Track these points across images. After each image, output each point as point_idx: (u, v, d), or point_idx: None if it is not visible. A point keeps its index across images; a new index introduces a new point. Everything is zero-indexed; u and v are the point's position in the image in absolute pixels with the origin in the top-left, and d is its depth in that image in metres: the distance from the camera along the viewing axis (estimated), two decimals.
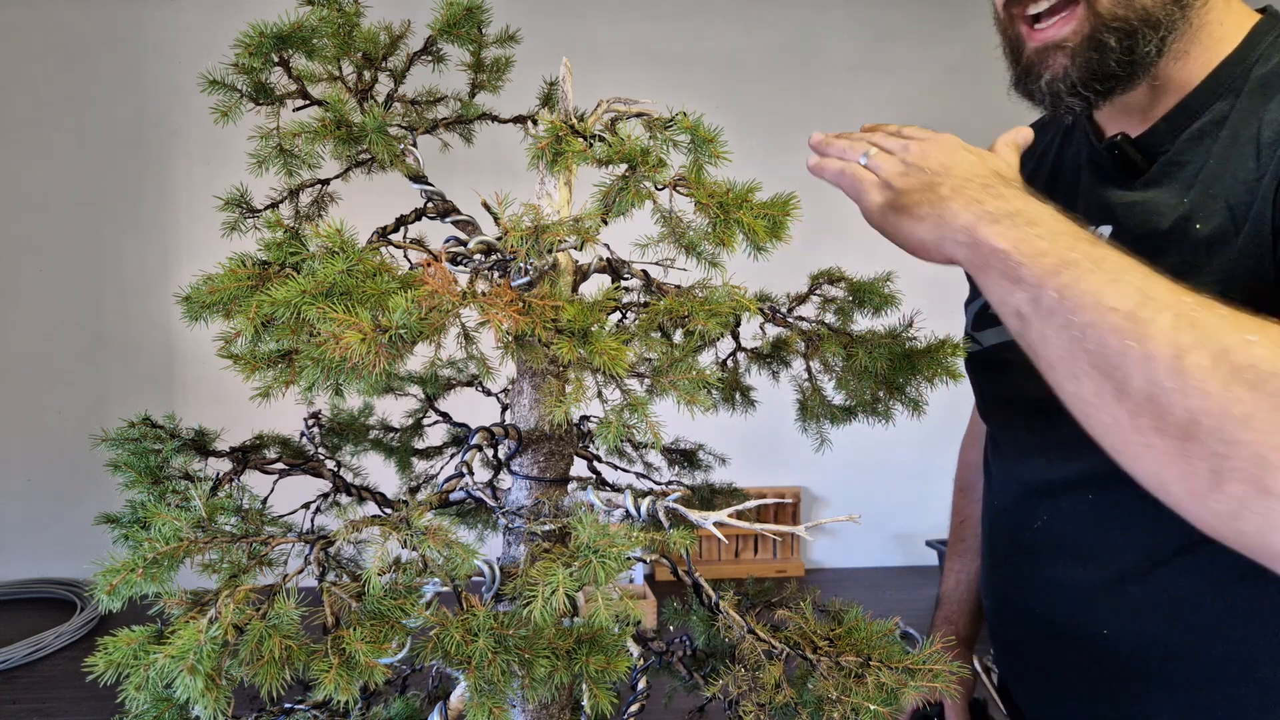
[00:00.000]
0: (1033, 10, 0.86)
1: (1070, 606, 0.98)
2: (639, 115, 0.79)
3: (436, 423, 1.21)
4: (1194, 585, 0.87)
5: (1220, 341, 0.62)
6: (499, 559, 0.80)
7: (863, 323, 0.97)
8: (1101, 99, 0.87)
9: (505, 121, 0.95)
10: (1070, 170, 1.01)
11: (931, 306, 1.02)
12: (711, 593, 0.92)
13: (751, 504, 0.79)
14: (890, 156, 0.84)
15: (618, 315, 0.84)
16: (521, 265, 0.70)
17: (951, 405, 1.06)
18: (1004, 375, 1.01)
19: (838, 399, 0.98)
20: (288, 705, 0.85)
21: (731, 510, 0.74)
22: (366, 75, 0.86)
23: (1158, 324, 0.64)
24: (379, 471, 1.16)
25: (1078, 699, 0.99)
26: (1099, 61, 0.84)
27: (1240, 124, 0.83)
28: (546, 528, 0.75)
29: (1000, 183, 0.78)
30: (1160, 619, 0.89)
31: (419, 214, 0.87)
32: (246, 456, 0.93)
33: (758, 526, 0.75)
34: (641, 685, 0.90)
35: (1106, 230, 0.92)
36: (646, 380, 0.73)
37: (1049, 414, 0.92)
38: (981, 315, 1.04)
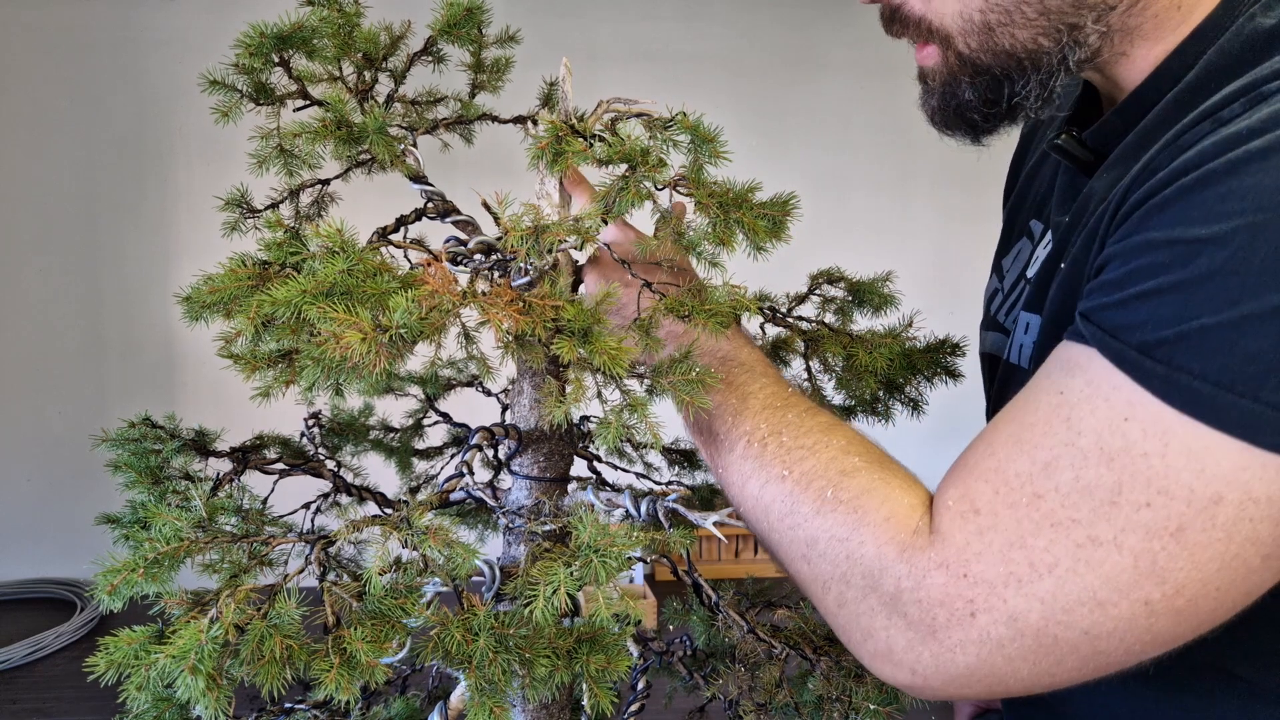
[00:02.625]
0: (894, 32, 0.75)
1: None
2: (639, 115, 0.79)
3: (437, 423, 1.21)
4: None
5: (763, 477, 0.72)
6: (499, 559, 0.80)
7: (862, 322, 0.97)
8: (983, 137, 0.77)
9: (505, 122, 0.96)
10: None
11: (931, 306, 1.02)
12: (711, 592, 0.92)
13: None
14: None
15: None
16: (521, 265, 0.70)
17: (951, 405, 1.06)
18: (989, 383, 0.98)
19: (838, 399, 0.98)
20: (288, 705, 0.85)
21: (731, 510, 0.74)
22: (367, 76, 0.86)
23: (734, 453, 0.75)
24: (379, 471, 1.16)
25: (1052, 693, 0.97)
26: (958, 106, 0.74)
27: (1141, 141, 0.69)
28: (547, 527, 0.75)
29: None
30: None
31: (419, 214, 0.87)
32: (246, 457, 0.93)
33: None
34: (641, 685, 0.90)
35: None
36: (646, 380, 0.73)
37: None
38: (984, 314, 1.00)
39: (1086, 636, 0.58)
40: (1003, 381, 0.86)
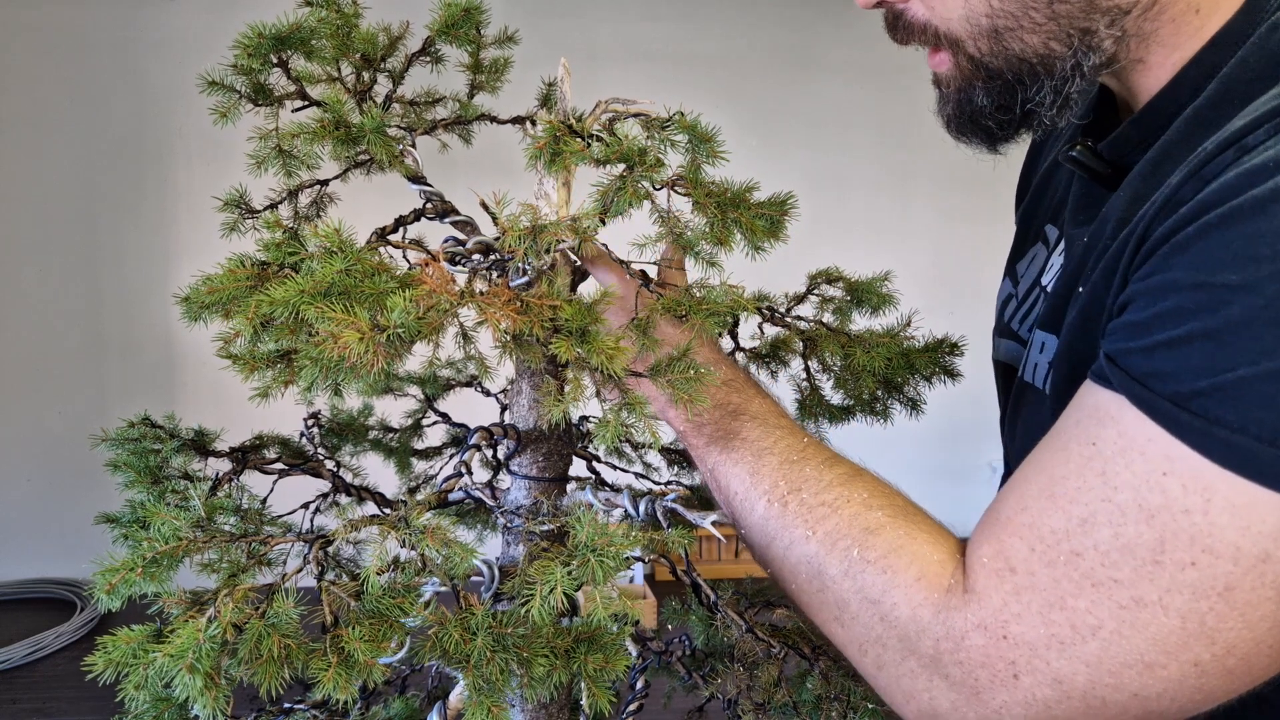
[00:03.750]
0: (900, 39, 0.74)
1: None
2: (637, 115, 0.79)
3: (436, 423, 1.21)
4: None
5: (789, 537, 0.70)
6: (498, 558, 0.80)
7: (861, 322, 0.97)
8: (998, 145, 0.75)
9: (504, 122, 0.96)
10: None
11: (930, 306, 1.02)
12: (710, 592, 0.92)
13: None
14: None
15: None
16: (519, 265, 0.70)
17: (951, 405, 1.07)
18: (1004, 393, 0.97)
19: (836, 399, 0.98)
20: (287, 705, 0.85)
21: None
22: (365, 76, 0.86)
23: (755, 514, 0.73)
24: (378, 471, 1.16)
25: None
26: (972, 113, 0.72)
27: (1161, 159, 0.66)
28: (545, 527, 0.76)
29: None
30: None
31: (417, 214, 0.87)
32: (246, 456, 0.93)
33: None
34: (640, 684, 0.91)
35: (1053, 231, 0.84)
36: (645, 380, 0.73)
37: (1007, 457, 0.92)
38: (997, 321, 0.98)
39: (1136, 699, 0.56)
40: (1018, 398, 0.84)
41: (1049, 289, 0.81)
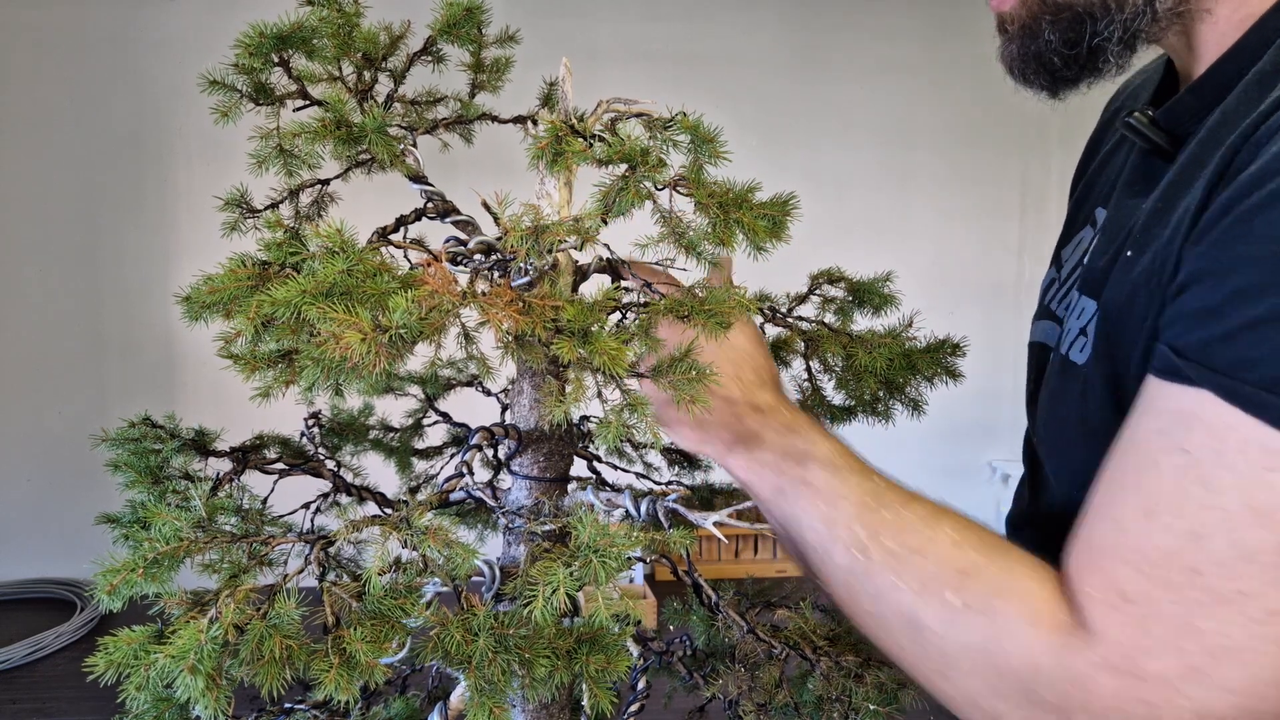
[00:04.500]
0: None
1: None
2: (639, 115, 0.79)
3: (436, 423, 1.21)
4: None
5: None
6: (499, 559, 0.80)
7: (862, 323, 0.97)
8: (1061, 89, 0.73)
9: (505, 122, 0.95)
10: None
11: (931, 306, 1.02)
12: (711, 593, 0.92)
13: (751, 504, 0.79)
14: None
15: (618, 315, 0.84)
16: (521, 265, 0.70)
17: (951, 405, 1.06)
18: (1034, 372, 0.94)
19: (837, 399, 0.98)
20: (288, 705, 0.85)
21: (731, 510, 0.74)
22: (366, 76, 0.86)
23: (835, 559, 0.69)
24: (379, 471, 1.16)
25: None
26: (1038, 52, 0.70)
27: (1222, 124, 0.63)
28: (546, 528, 0.75)
29: (763, 395, 0.77)
30: None
31: (419, 214, 0.87)
32: (246, 456, 0.93)
33: (758, 526, 0.75)
34: (641, 685, 0.90)
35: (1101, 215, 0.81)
36: (646, 380, 0.73)
37: (1030, 439, 0.90)
38: (1040, 302, 0.94)
39: None
40: (1054, 373, 0.80)
41: (1087, 259, 0.79)
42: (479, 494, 0.77)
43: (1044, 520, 0.80)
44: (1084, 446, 0.68)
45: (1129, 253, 0.67)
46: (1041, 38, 0.69)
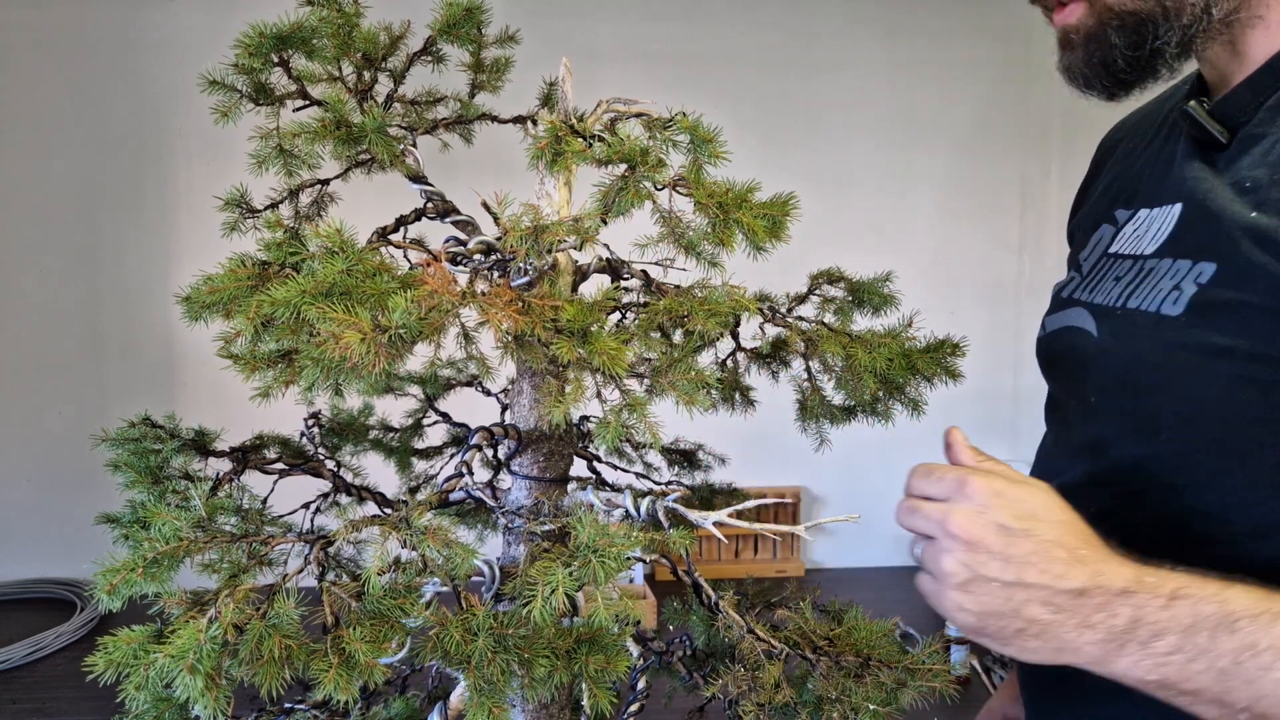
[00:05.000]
0: None
1: None
2: (638, 115, 0.79)
3: (436, 423, 1.21)
4: None
5: None
6: (499, 559, 0.80)
7: (862, 322, 0.97)
8: (1120, 91, 0.80)
9: (505, 122, 0.96)
10: (1176, 126, 0.91)
11: (931, 306, 1.02)
12: (711, 593, 0.92)
13: (751, 504, 0.79)
14: (937, 549, 0.66)
15: (617, 315, 0.84)
16: (521, 265, 0.70)
17: (951, 405, 1.06)
18: (1047, 367, 0.95)
19: (837, 399, 0.98)
20: (288, 705, 0.85)
21: (731, 510, 0.74)
22: (366, 76, 0.86)
23: None
24: (379, 471, 1.16)
25: None
26: (1103, 57, 0.78)
27: None
28: (546, 527, 0.75)
29: (1079, 570, 0.63)
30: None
31: (419, 214, 0.87)
32: (246, 456, 0.93)
33: (757, 526, 0.75)
34: (641, 685, 0.90)
35: (1176, 210, 0.83)
36: (646, 380, 0.73)
37: (1068, 412, 0.91)
38: (1054, 299, 0.96)
39: None
40: (1126, 335, 0.80)
41: (1177, 228, 0.81)
42: (479, 494, 0.77)
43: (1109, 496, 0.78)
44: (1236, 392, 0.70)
45: (1254, 213, 0.71)
46: (1108, 43, 0.77)
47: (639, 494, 0.74)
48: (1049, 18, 0.83)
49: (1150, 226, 0.84)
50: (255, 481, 0.91)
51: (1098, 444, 0.85)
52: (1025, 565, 0.63)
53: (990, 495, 0.66)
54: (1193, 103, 0.79)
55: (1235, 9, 0.74)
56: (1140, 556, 0.67)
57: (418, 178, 0.86)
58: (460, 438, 1.21)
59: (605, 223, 0.73)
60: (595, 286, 0.81)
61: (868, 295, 0.98)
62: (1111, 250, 0.88)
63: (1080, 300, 0.89)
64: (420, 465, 1.21)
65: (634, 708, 0.88)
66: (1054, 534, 0.65)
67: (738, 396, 1.02)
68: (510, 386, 1.03)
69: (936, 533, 0.66)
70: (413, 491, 1.20)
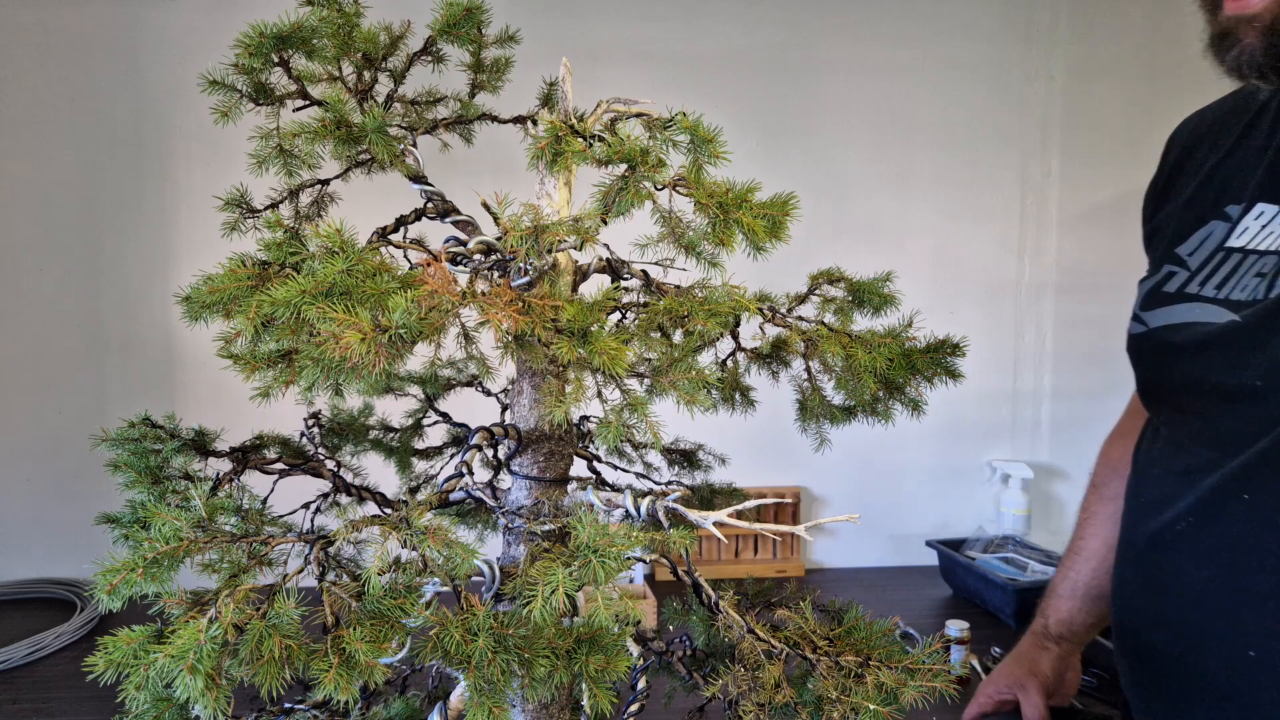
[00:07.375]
0: None
1: (1211, 617, 0.88)
2: (638, 115, 0.79)
3: (436, 423, 1.21)
4: None
5: None
6: (499, 559, 0.80)
7: (862, 323, 0.97)
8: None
9: (505, 122, 0.96)
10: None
11: (931, 306, 1.02)
12: (711, 593, 0.92)
13: (751, 504, 0.79)
14: None
15: (617, 315, 0.84)
16: (521, 265, 0.70)
17: (951, 405, 1.06)
18: (1169, 358, 0.96)
19: (837, 399, 0.98)
20: (288, 705, 0.85)
21: (731, 510, 0.74)
22: (366, 75, 0.86)
23: None
24: (379, 471, 1.16)
25: None
26: None
27: None
28: (546, 528, 0.75)
29: None
30: None
31: (419, 214, 0.87)
32: (246, 456, 0.93)
33: (757, 526, 0.75)
34: (641, 685, 0.90)
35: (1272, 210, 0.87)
36: (646, 380, 0.73)
37: (1213, 401, 0.91)
38: (1153, 294, 0.98)
39: None
40: (1267, 319, 0.84)
41: None
42: (479, 494, 0.77)
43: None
44: None
45: None
46: None
47: (639, 494, 0.74)
48: (1211, 13, 0.83)
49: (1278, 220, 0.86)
50: (255, 481, 0.91)
51: (1276, 419, 0.85)
52: None
53: None
54: None
55: None
56: None
57: (418, 178, 0.86)
58: (460, 438, 1.21)
59: (605, 223, 0.73)
60: (595, 286, 0.81)
61: (868, 295, 0.98)
62: (1230, 245, 0.90)
63: (1202, 296, 0.91)
64: (420, 465, 1.21)
65: (634, 708, 0.88)
66: None
67: (738, 396, 1.02)
68: (510, 386, 1.03)
69: None
70: (413, 491, 1.20)
